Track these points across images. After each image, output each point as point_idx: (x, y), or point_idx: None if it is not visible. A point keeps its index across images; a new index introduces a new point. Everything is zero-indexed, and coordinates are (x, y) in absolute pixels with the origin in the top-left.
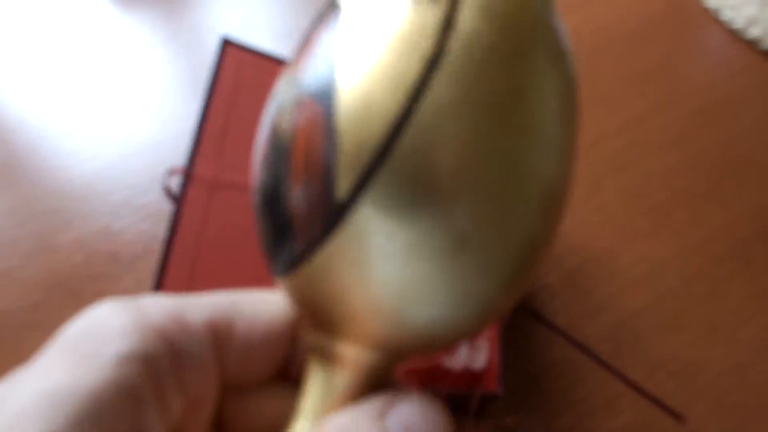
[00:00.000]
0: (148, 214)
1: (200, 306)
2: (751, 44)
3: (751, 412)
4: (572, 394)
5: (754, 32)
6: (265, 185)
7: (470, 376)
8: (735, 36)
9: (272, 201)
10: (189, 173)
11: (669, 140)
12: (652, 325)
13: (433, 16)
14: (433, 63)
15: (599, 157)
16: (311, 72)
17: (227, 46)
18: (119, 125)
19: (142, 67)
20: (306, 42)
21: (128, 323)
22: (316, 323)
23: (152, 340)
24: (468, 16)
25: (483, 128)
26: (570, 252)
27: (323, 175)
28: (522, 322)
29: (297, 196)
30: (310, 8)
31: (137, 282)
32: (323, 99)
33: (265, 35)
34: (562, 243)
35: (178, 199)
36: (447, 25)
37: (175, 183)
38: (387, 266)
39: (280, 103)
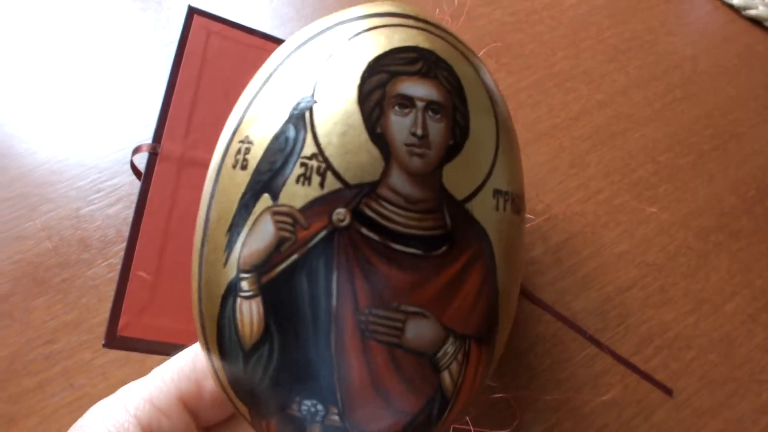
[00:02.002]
0: (118, 198)
1: (167, 387)
2: (735, 12)
3: (737, 386)
4: (560, 370)
5: (737, 0)
6: None
7: None
8: (718, 4)
9: None
10: (155, 150)
11: (652, 114)
12: (638, 300)
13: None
14: None
15: (582, 132)
16: None
17: (194, 14)
18: (85, 106)
19: (109, 43)
20: None
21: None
22: None
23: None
24: None
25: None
26: (554, 228)
27: None
28: None
29: None
30: None
31: (108, 267)
32: None
33: (234, 4)
34: (546, 218)
35: (144, 180)
36: None
37: (142, 161)
38: None
39: None
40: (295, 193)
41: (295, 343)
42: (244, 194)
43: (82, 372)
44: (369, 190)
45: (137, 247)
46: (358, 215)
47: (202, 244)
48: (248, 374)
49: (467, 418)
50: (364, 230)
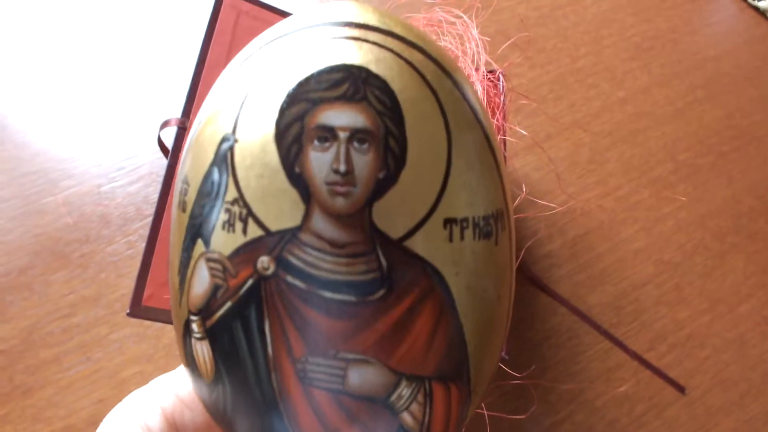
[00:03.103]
0: (140, 176)
1: (153, 405)
2: (760, 16)
3: (749, 386)
4: (573, 363)
5: (763, 3)
6: None
7: None
8: (743, 7)
9: None
10: (184, 125)
11: (673, 113)
12: (653, 297)
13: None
14: None
15: (603, 129)
16: None
17: None
18: (111, 84)
19: (137, 22)
20: None
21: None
22: None
23: (155, 424)
24: None
25: None
26: (572, 222)
27: None
28: (525, 290)
29: None
30: None
31: (128, 244)
32: None
33: None
34: (564, 213)
35: (172, 153)
36: None
37: (169, 137)
38: None
39: None
40: (223, 240)
41: (243, 387)
42: (185, 238)
43: (98, 346)
44: (290, 236)
45: (164, 219)
46: (282, 263)
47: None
48: (213, 407)
49: (482, 404)
50: (289, 278)
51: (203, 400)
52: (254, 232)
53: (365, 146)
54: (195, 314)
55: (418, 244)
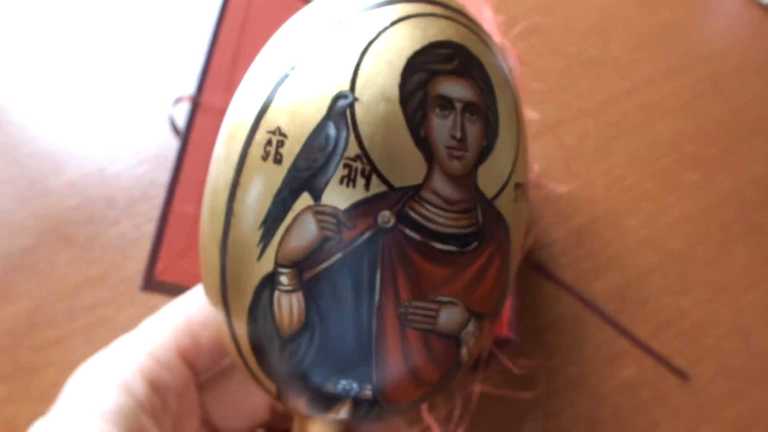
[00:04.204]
0: (146, 158)
1: (166, 340)
2: (766, 10)
3: (753, 375)
4: (578, 350)
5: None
6: None
7: None
8: (748, 1)
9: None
10: (197, 101)
11: (679, 105)
12: (658, 286)
13: None
14: None
15: (608, 119)
16: None
17: None
18: (118, 65)
19: (144, 6)
20: None
21: (109, 383)
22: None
23: (136, 387)
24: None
25: None
26: (578, 210)
27: None
28: (530, 276)
29: None
30: None
31: (134, 227)
32: None
33: None
34: (570, 201)
35: (185, 129)
36: None
37: (180, 115)
38: None
39: None
40: (339, 194)
41: (337, 333)
42: (280, 190)
43: (103, 327)
44: (413, 193)
45: (177, 191)
46: (402, 217)
47: (225, 234)
48: (283, 360)
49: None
50: (407, 231)
51: (262, 360)
52: (377, 187)
53: (474, 117)
54: (287, 267)
55: (501, 204)
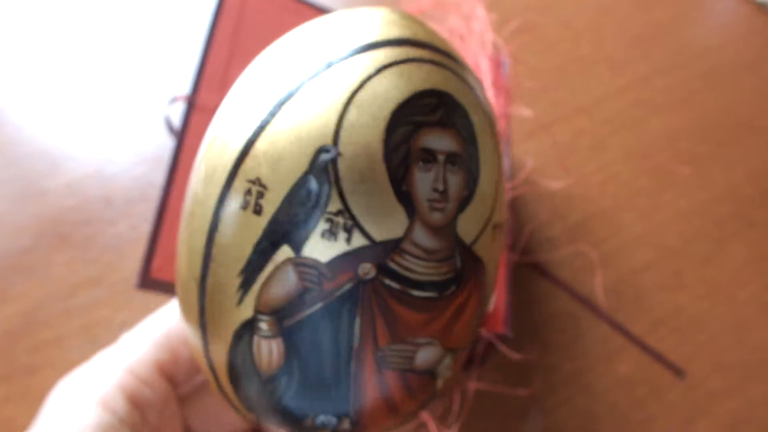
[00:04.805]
0: (144, 159)
1: (145, 356)
2: (760, 7)
3: (749, 371)
4: (574, 346)
5: None
6: None
7: None
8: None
9: None
10: (192, 101)
11: (673, 102)
12: (653, 283)
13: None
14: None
15: (603, 116)
16: None
17: None
18: (115, 66)
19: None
20: None
21: (89, 400)
22: None
23: (116, 404)
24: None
25: None
26: (573, 207)
27: None
28: (526, 273)
29: None
30: None
31: (131, 227)
32: None
33: None
34: (565, 198)
35: (181, 128)
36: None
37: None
38: None
39: None
40: (320, 247)
41: (316, 374)
42: (260, 241)
43: (100, 328)
44: (394, 245)
45: (172, 189)
46: (382, 269)
47: (203, 277)
48: (263, 396)
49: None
50: (387, 281)
51: (243, 396)
52: (359, 241)
53: (456, 167)
54: (266, 314)
55: (479, 247)
